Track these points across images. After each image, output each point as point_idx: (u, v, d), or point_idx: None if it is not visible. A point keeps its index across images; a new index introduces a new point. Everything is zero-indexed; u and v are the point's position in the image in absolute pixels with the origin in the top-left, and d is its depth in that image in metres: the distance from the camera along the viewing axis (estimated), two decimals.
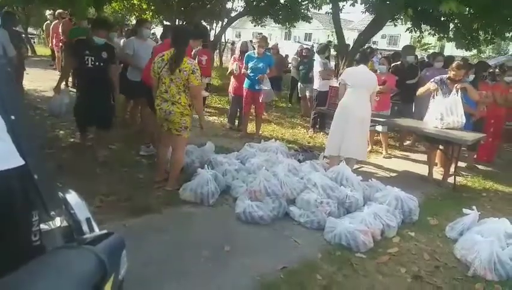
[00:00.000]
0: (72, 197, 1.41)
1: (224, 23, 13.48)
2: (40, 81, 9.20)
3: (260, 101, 6.35)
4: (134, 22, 17.07)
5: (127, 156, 4.91)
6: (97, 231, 1.34)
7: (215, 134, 6.42)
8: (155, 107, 3.94)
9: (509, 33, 8.28)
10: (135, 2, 13.45)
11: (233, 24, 14.94)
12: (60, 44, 8.90)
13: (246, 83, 6.41)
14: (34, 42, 19.86)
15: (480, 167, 6.19)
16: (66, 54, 8.45)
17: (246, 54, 6.48)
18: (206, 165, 4.19)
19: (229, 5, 14.55)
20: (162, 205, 3.71)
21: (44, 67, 11.11)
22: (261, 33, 6.89)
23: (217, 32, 14.33)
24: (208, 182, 3.87)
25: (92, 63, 4.28)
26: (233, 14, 13.87)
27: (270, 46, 11.10)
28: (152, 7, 13.37)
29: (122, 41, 6.57)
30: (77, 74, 4.47)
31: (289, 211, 3.77)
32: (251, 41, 7.17)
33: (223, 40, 17.16)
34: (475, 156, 6.26)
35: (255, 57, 6.26)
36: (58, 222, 1.26)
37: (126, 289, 1.12)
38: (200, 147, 4.89)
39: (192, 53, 7.70)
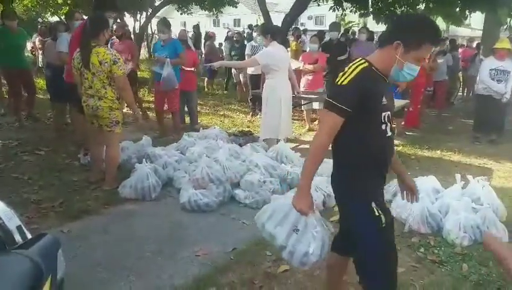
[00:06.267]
0: None
1: (149, 14, 13.04)
2: None
3: (162, 89, 5.53)
4: (50, 19, 15.95)
5: (58, 160, 4.63)
6: None
7: (151, 128, 6.24)
8: (82, 104, 3.73)
9: (422, 5, 8.88)
10: None
11: (158, 14, 14.50)
12: None
13: (156, 76, 5.65)
14: None
15: (408, 133, 6.64)
16: None
17: (153, 43, 6.02)
18: (144, 160, 4.06)
19: None
20: (101, 205, 3.57)
21: None
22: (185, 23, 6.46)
23: (142, 23, 13.83)
24: (148, 176, 3.76)
25: (389, 126, 1.85)
26: (157, 3, 13.45)
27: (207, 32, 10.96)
28: (68, 1, 12.57)
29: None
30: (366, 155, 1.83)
31: (234, 195, 3.80)
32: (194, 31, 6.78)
33: (149, 31, 16.59)
34: (403, 123, 6.69)
35: (160, 46, 5.63)
36: None
37: None
38: (136, 142, 4.73)
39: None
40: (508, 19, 9.58)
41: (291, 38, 8.27)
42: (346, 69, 1.72)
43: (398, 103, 5.29)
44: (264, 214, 1.96)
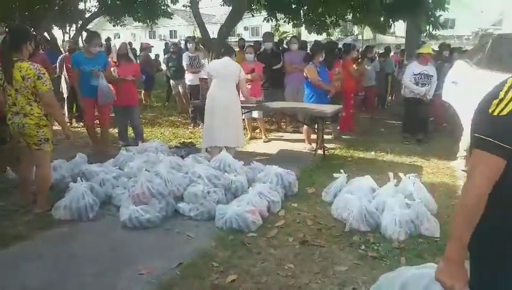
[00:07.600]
0: None
1: (79, 26, 12.48)
2: None
3: (99, 103, 5.35)
4: None
5: None
6: None
7: (86, 144, 5.93)
8: (7, 122, 3.46)
9: (349, 15, 9.39)
10: None
11: (90, 26, 13.92)
12: None
13: (82, 91, 5.36)
14: None
15: (344, 136, 6.94)
16: None
17: (73, 55, 5.70)
18: (78, 178, 3.84)
19: (81, 6, 13.51)
20: (33, 229, 3.31)
21: None
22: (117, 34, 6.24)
23: (71, 35, 13.20)
24: (84, 195, 3.57)
25: None
26: (87, 15, 12.92)
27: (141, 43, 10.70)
28: None
29: None
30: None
31: (178, 208, 3.71)
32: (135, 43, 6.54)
33: (81, 43, 15.87)
34: (338, 128, 6.97)
35: (84, 58, 5.31)
36: None
37: None
38: (70, 160, 4.47)
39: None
40: (427, 26, 10.41)
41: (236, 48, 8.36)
42: (501, 94, 1.23)
43: (332, 108, 5.52)
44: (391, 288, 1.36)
